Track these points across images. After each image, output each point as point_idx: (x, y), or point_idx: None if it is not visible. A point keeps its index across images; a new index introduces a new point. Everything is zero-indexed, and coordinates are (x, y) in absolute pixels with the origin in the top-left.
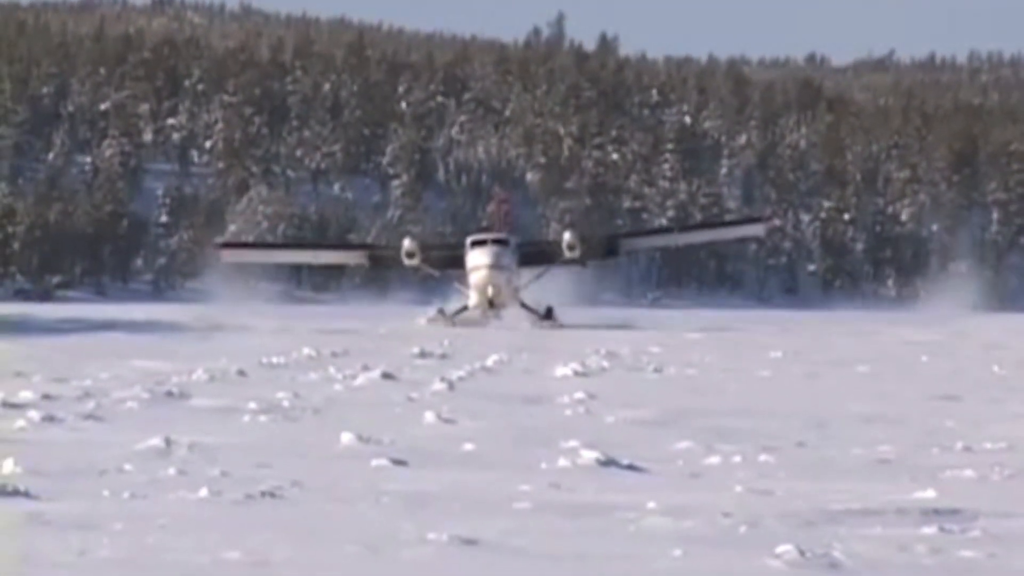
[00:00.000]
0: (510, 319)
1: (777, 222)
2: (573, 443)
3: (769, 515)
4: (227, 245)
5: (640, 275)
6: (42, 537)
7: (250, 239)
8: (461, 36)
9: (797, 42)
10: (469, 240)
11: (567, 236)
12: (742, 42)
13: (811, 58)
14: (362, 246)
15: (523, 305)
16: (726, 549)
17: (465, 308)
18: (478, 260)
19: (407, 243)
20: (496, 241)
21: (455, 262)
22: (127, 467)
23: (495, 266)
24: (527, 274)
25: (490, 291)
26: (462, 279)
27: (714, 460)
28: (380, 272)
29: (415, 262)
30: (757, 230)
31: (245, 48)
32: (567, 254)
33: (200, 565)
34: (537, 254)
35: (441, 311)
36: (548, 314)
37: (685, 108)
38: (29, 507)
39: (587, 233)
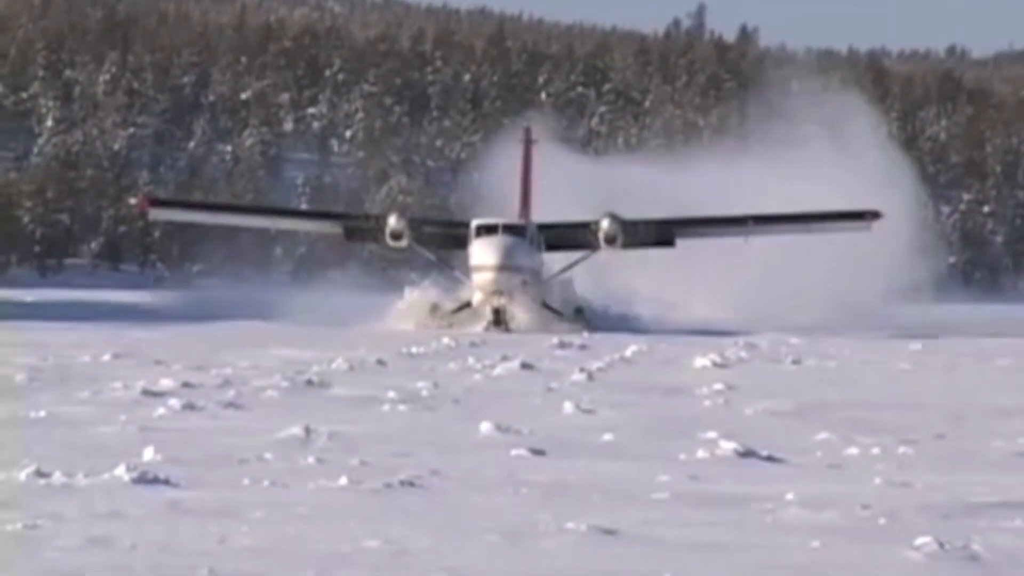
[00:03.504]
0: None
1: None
2: (712, 434)
3: (908, 507)
4: (154, 202)
5: None
6: (182, 525)
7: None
8: (601, 27)
9: (937, 34)
10: (475, 224)
11: (605, 225)
12: (882, 34)
13: (951, 50)
14: (336, 216)
15: (545, 305)
16: (865, 541)
17: (468, 305)
18: (483, 257)
19: (393, 221)
20: (509, 228)
21: (455, 243)
22: (267, 456)
23: (505, 267)
24: (555, 262)
25: (496, 300)
26: (464, 266)
27: (853, 452)
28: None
29: (403, 243)
30: (858, 227)
31: (386, 38)
32: (603, 246)
33: (339, 553)
34: (567, 238)
35: (435, 307)
36: (578, 314)
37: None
38: (169, 495)
39: (633, 219)
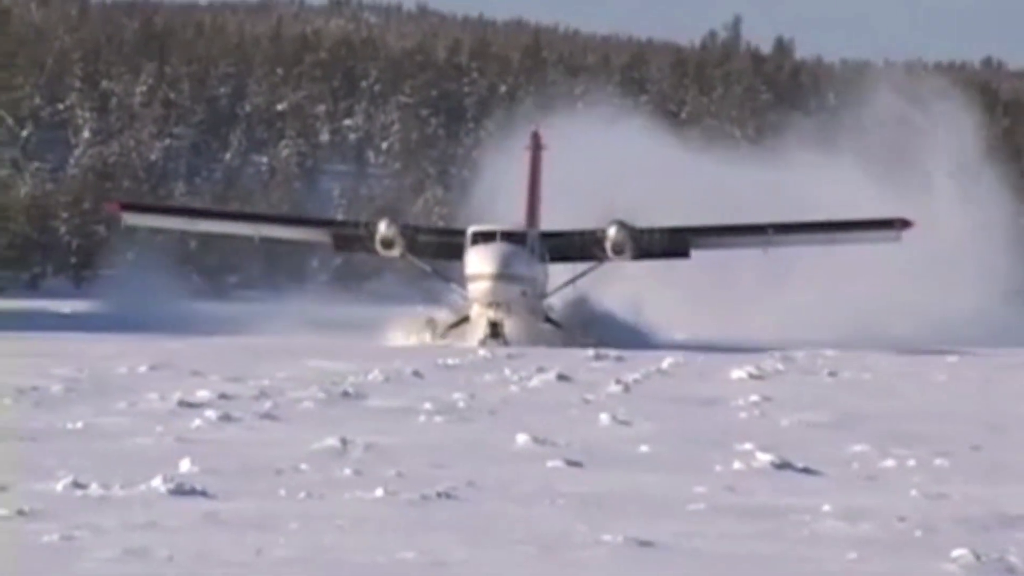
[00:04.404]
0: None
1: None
2: (748, 445)
3: (944, 519)
4: (126, 207)
5: None
6: (219, 536)
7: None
8: (637, 38)
9: (973, 46)
10: (471, 231)
11: (612, 233)
12: (918, 45)
13: (987, 62)
14: (324, 223)
15: (548, 320)
16: (901, 553)
17: (465, 320)
18: (480, 266)
19: (383, 228)
20: (508, 235)
21: (451, 253)
22: (303, 467)
23: (502, 276)
24: (559, 274)
25: (492, 312)
26: (460, 277)
27: (889, 464)
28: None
29: (395, 252)
30: (888, 237)
31: (422, 49)
32: (611, 257)
33: (376, 565)
34: (573, 247)
35: (431, 322)
36: (585, 329)
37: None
38: (206, 506)
39: (644, 228)
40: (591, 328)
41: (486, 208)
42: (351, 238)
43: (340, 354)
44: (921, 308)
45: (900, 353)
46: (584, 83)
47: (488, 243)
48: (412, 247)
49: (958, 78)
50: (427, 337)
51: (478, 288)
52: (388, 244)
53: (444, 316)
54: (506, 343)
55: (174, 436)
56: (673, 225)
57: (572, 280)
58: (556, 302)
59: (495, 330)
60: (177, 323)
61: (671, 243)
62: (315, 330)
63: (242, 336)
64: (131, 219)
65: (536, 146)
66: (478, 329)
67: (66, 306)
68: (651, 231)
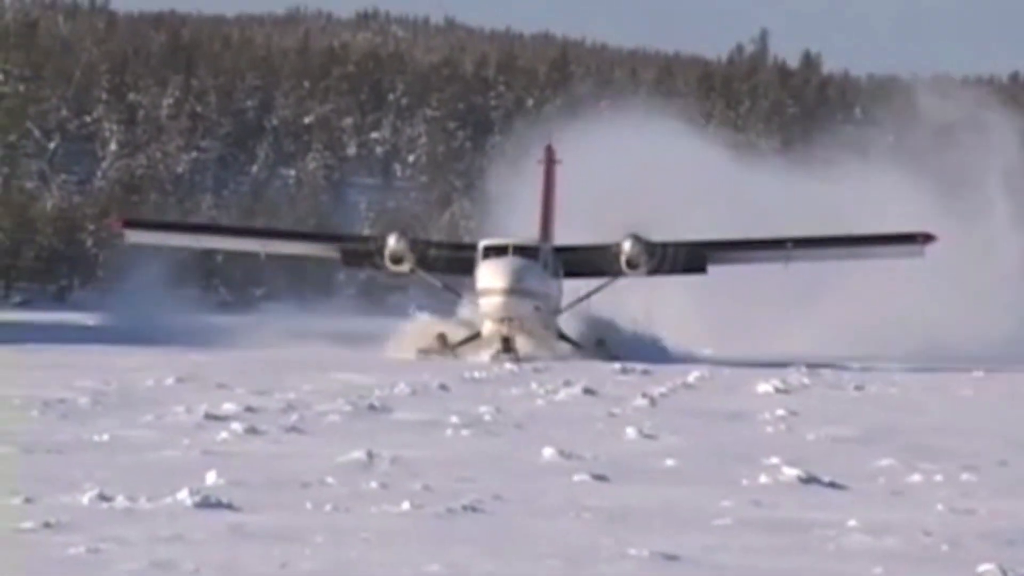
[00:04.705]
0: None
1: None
2: (774, 460)
3: (971, 534)
4: (129, 223)
5: None
6: (244, 549)
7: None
8: (664, 52)
9: (1000, 60)
10: (482, 244)
11: (627, 247)
12: (945, 59)
13: (1015, 76)
14: (332, 238)
15: (562, 336)
16: (927, 567)
17: (477, 336)
18: (491, 280)
19: (393, 242)
20: (520, 249)
21: (463, 268)
22: (329, 480)
23: (515, 291)
24: (572, 289)
25: (505, 328)
26: (472, 292)
27: (916, 478)
28: None
29: (404, 267)
30: (910, 252)
31: (449, 62)
32: (626, 271)
33: None
34: (587, 262)
35: (442, 337)
36: (600, 345)
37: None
38: (232, 519)
39: (660, 242)
40: (607, 345)
41: (501, 222)
42: (360, 253)
43: (366, 367)
44: (949, 323)
45: (926, 368)
46: (611, 96)
47: (500, 257)
48: (422, 262)
49: (985, 92)
50: (436, 352)
51: (490, 303)
52: (397, 259)
53: (455, 330)
54: (518, 359)
55: (200, 449)
56: (690, 240)
57: (587, 295)
58: (570, 318)
59: (507, 346)
60: (175, 334)
61: (688, 258)
62: (305, 343)
63: (267, 348)
64: (134, 236)
65: (550, 160)
66: (490, 345)
67: (92, 319)
68: (667, 246)
